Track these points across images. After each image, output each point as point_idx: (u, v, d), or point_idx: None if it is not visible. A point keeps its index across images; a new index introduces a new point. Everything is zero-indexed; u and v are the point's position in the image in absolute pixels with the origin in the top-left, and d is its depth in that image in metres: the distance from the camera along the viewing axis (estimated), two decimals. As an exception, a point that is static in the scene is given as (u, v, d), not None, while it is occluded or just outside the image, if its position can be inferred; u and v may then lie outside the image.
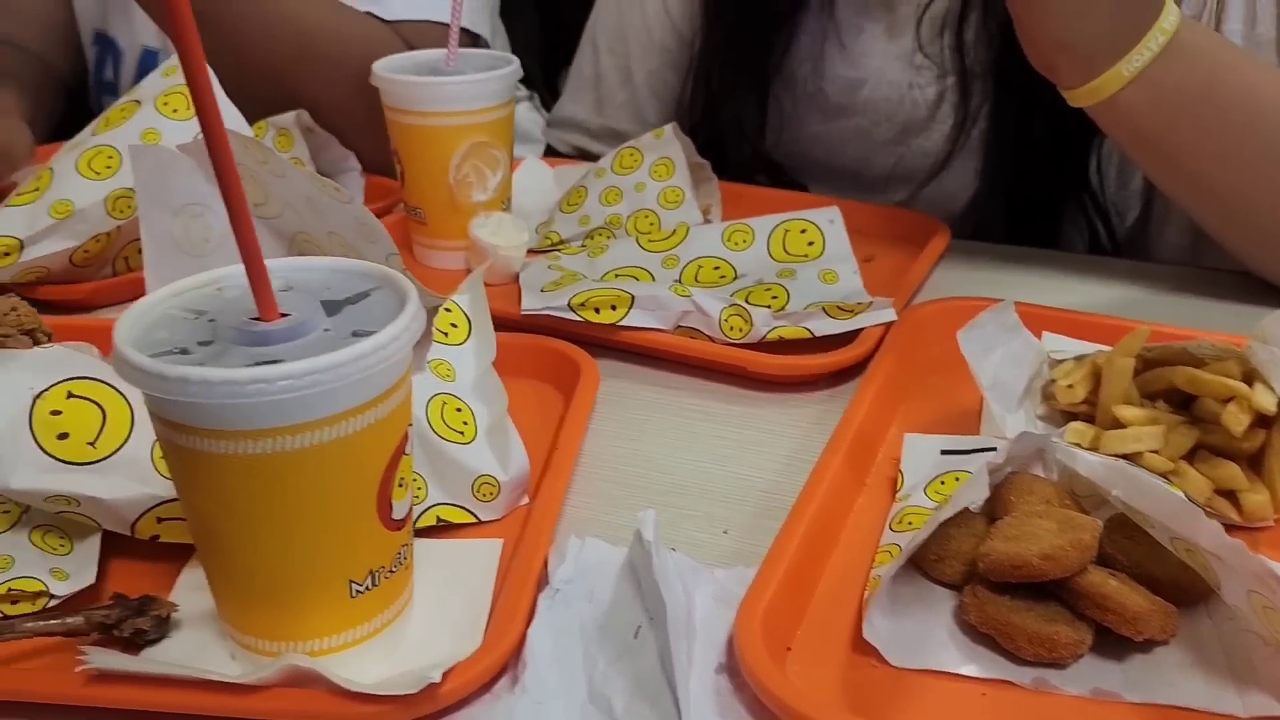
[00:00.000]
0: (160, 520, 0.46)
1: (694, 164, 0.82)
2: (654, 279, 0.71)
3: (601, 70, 0.99)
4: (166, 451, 0.38)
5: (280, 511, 0.37)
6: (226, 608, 0.41)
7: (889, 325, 0.64)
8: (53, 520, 0.47)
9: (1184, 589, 0.43)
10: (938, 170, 0.86)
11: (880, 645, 0.42)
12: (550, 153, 1.05)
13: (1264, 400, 0.47)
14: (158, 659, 0.42)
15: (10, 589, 0.43)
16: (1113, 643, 0.42)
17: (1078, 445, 0.51)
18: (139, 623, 0.42)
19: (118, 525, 0.46)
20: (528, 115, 1.16)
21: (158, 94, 0.75)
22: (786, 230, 0.74)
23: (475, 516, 0.50)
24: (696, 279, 0.71)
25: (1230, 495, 0.49)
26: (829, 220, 0.74)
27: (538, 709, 0.39)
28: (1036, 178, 0.83)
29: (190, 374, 0.34)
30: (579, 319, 0.64)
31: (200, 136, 0.68)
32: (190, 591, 0.45)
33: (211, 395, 0.34)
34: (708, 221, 0.81)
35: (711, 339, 0.64)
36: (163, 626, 0.43)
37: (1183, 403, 0.52)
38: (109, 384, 0.46)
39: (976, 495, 0.43)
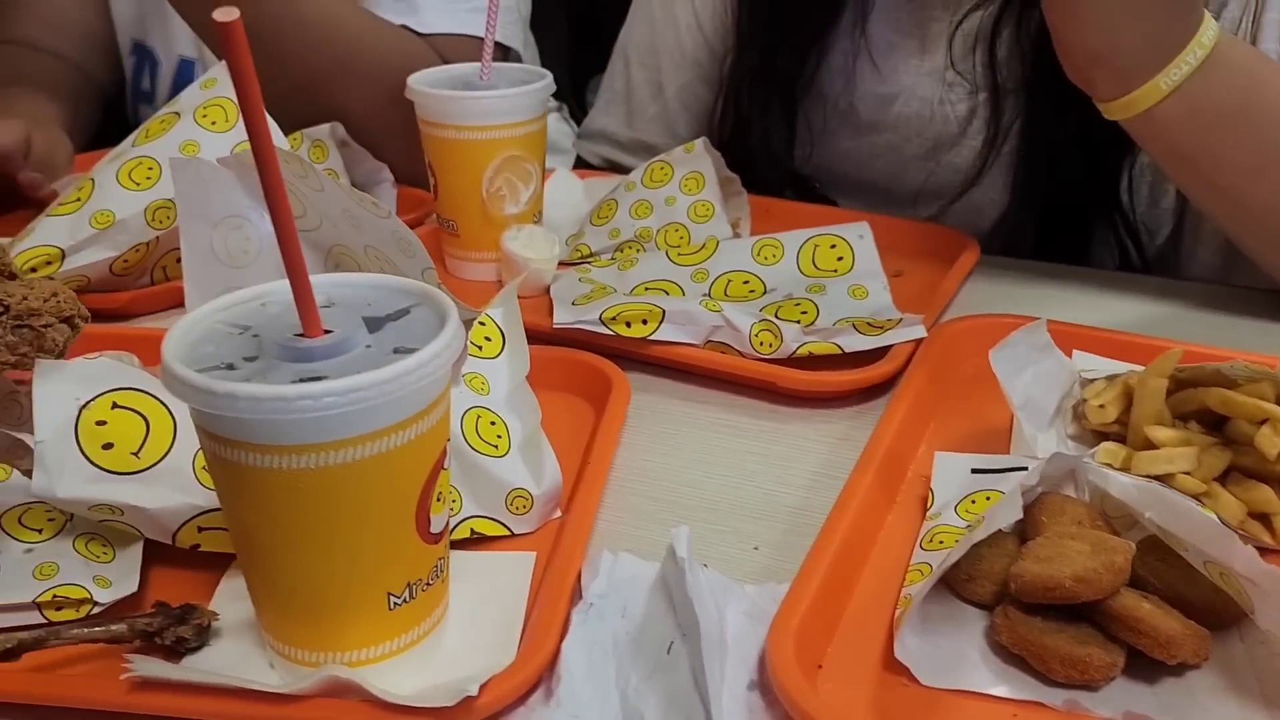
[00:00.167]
0: (201, 529, 0.47)
1: (724, 178, 0.83)
2: (684, 292, 0.71)
3: (633, 84, 1.00)
4: (212, 465, 0.39)
5: (322, 525, 0.38)
6: (267, 617, 0.42)
7: (919, 342, 0.64)
8: (96, 528, 0.48)
9: (1217, 612, 0.43)
10: (968, 186, 0.86)
11: (911, 664, 0.42)
12: (580, 165, 1.05)
13: (1298, 423, 0.47)
14: (199, 667, 0.42)
15: (55, 595, 0.44)
16: (1144, 666, 0.42)
17: (1109, 466, 0.51)
18: (181, 631, 0.43)
19: (159, 534, 0.47)
20: (557, 126, 1.17)
21: (197, 106, 0.76)
22: (816, 245, 0.74)
23: (509, 529, 0.50)
24: (726, 293, 0.72)
25: (1263, 518, 0.49)
26: (858, 235, 0.74)
27: (571, 723, 0.40)
28: (1067, 195, 0.83)
29: (238, 390, 0.35)
30: (610, 333, 0.65)
31: (238, 150, 0.69)
32: (230, 600, 0.46)
33: (258, 411, 0.35)
34: (737, 235, 0.81)
35: (742, 354, 0.65)
36: (203, 635, 0.43)
37: (1215, 424, 0.52)
38: (153, 394, 0.47)
39: (1009, 516, 0.43)
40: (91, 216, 0.72)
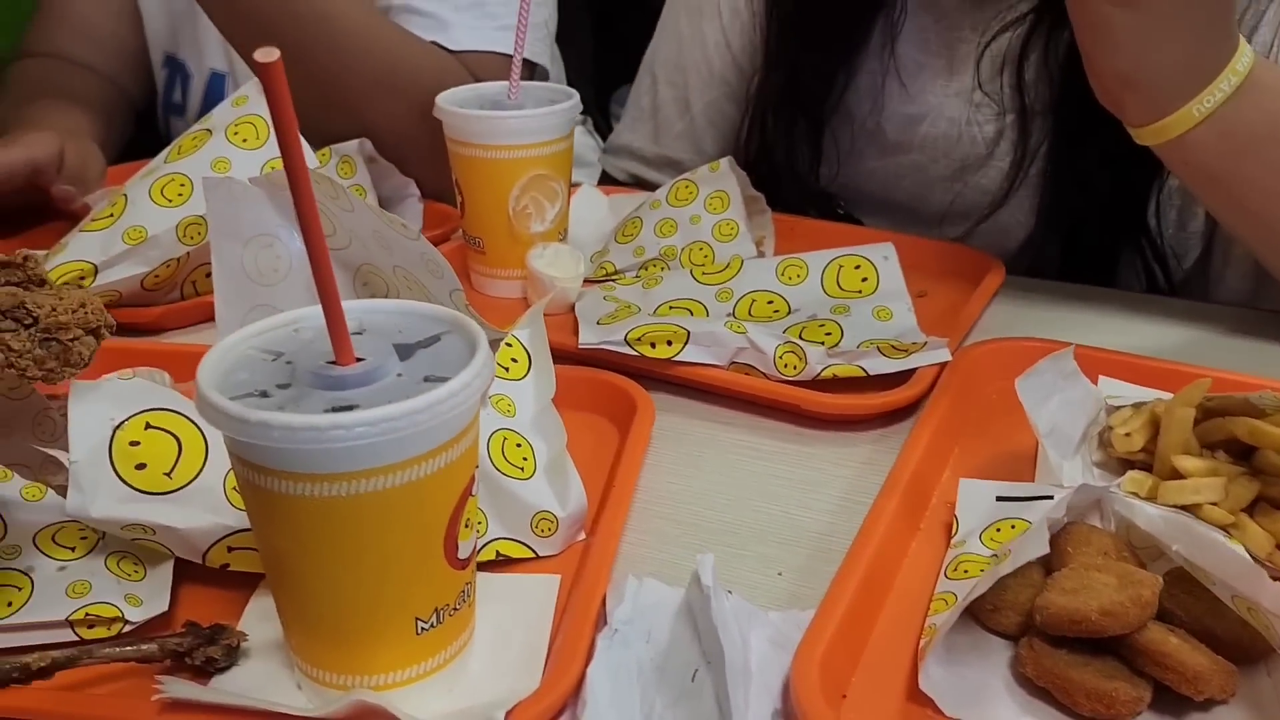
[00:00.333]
0: (231, 549, 0.47)
1: (748, 196, 0.83)
2: (707, 311, 0.72)
3: (659, 101, 1.00)
4: (244, 490, 0.39)
5: (352, 551, 0.38)
6: (295, 639, 0.42)
7: (943, 365, 0.64)
8: (127, 546, 0.48)
9: (1244, 647, 0.43)
10: (994, 207, 0.85)
11: (936, 696, 0.42)
12: (605, 180, 1.06)
13: (1328, 456, 0.47)
14: (227, 687, 0.43)
15: (88, 614, 0.45)
16: (1171, 700, 0.41)
17: (1135, 495, 0.51)
18: (210, 651, 0.43)
19: (190, 553, 0.47)
20: (581, 139, 1.18)
21: (228, 123, 0.77)
22: (840, 265, 0.74)
23: (533, 551, 0.51)
24: (750, 312, 0.72)
25: (1292, 551, 0.49)
26: (883, 256, 0.74)
27: (596, 749, 0.40)
28: (1094, 218, 0.83)
29: (272, 419, 0.35)
30: (635, 353, 0.65)
31: (269, 168, 0.70)
32: (258, 620, 0.46)
33: (292, 440, 0.35)
34: (761, 254, 0.82)
35: (766, 376, 0.65)
36: (232, 655, 0.44)
37: (1243, 454, 0.52)
38: (185, 415, 0.48)
39: (1036, 550, 0.43)
40: (124, 232, 0.73)
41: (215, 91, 1.13)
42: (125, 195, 0.75)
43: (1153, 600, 0.42)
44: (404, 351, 0.40)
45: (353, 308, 0.42)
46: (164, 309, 0.75)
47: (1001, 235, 0.87)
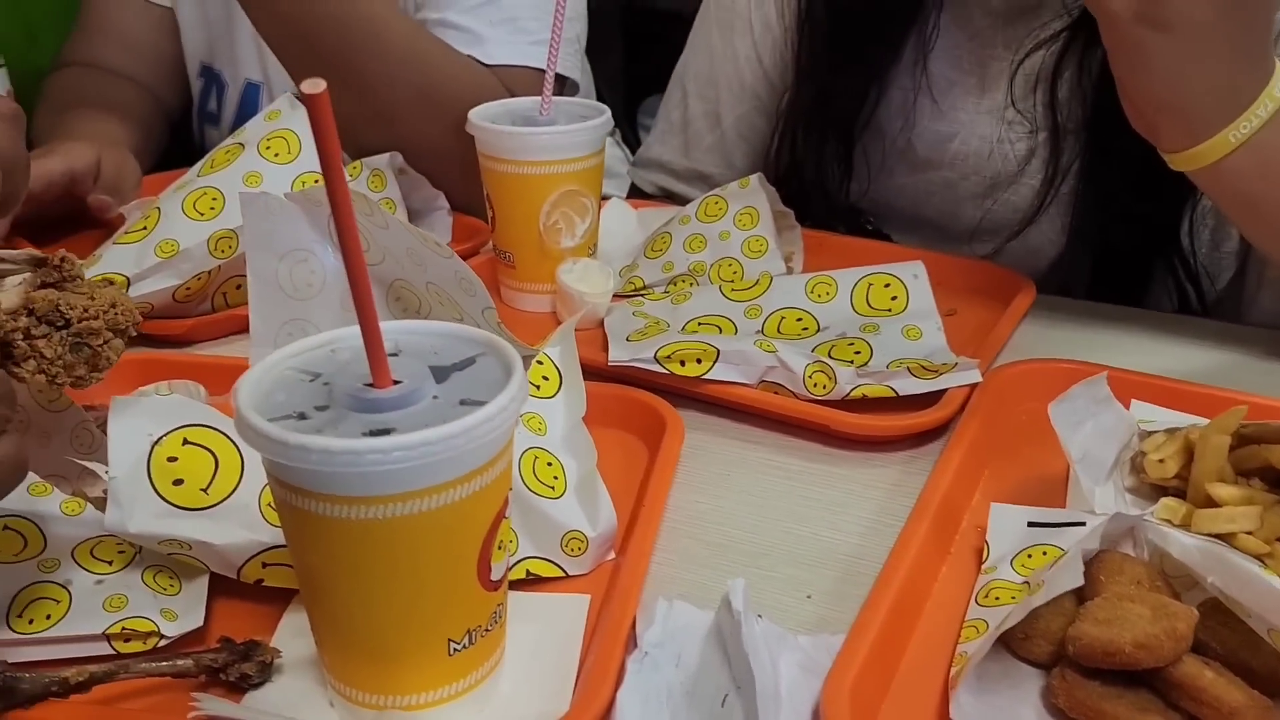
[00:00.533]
0: (265, 565, 0.48)
1: (777, 212, 0.83)
2: (736, 328, 0.72)
3: (690, 114, 1.00)
4: (281, 510, 0.40)
5: (388, 573, 0.38)
6: (329, 657, 0.42)
7: (974, 386, 0.64)
8: (163, 560, 0.49)
9: (1280, 681, 0.42)
10: (1025, 225, 0.85)
11: (967, 725, 0.42)
12: (635, 193, 1.06)
13: (1366, 487, 0.47)
14: (261, 704, 0.43)
15: (124, 628, 0.45)
16: (1205, 734, 0.41)
17: (1169, 522, 0.50)
18: (245, 667, 0.44)
19: (225, 569, 0.48)
20: (609, 151, 1.18)
21: (261, 138, 0.78)
22: (870, 284, 0.74)
23: (564, 571, 0.51)
24: (779, 330, 0.72)
25: (1328, 582, 0.48)
26: (913, 275, 0.74)
27: (626, 773, 0.40)
28: (1125, 237, 0.82)
29: (310, 443, 0.36)
30: (665, 371, 0.65)
31: (302, 184, 0.70)
32: (291, 636, 0.46)
33: (329, 464, 0.36)
34: (790, 270, 0.82)
35: (795, 395, 0.65)
36: (266, 671, 0.44)
37: (1278, 481, 0.51)
38: (222, 431, 0.48)
39: (1071, 581, 0.42)
40: (156, 245, 0.74)
41: (250, 101, 1.14)
42: (159, 208, 0.76)
43: (1188, 634, 0.41)
44: (440, 374, 0.41)
45: (389, 329, 0.42)
46: (195, 321, 0.75)
47: (1032, 254, 0.86)
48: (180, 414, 0.48)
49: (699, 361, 0.65)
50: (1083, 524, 0.50)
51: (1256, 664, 0.43)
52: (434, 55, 0.89)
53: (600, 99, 1.23)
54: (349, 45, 0.83)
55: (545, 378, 0.57)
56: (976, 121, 0.87)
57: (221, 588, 0.49)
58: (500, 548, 0.41)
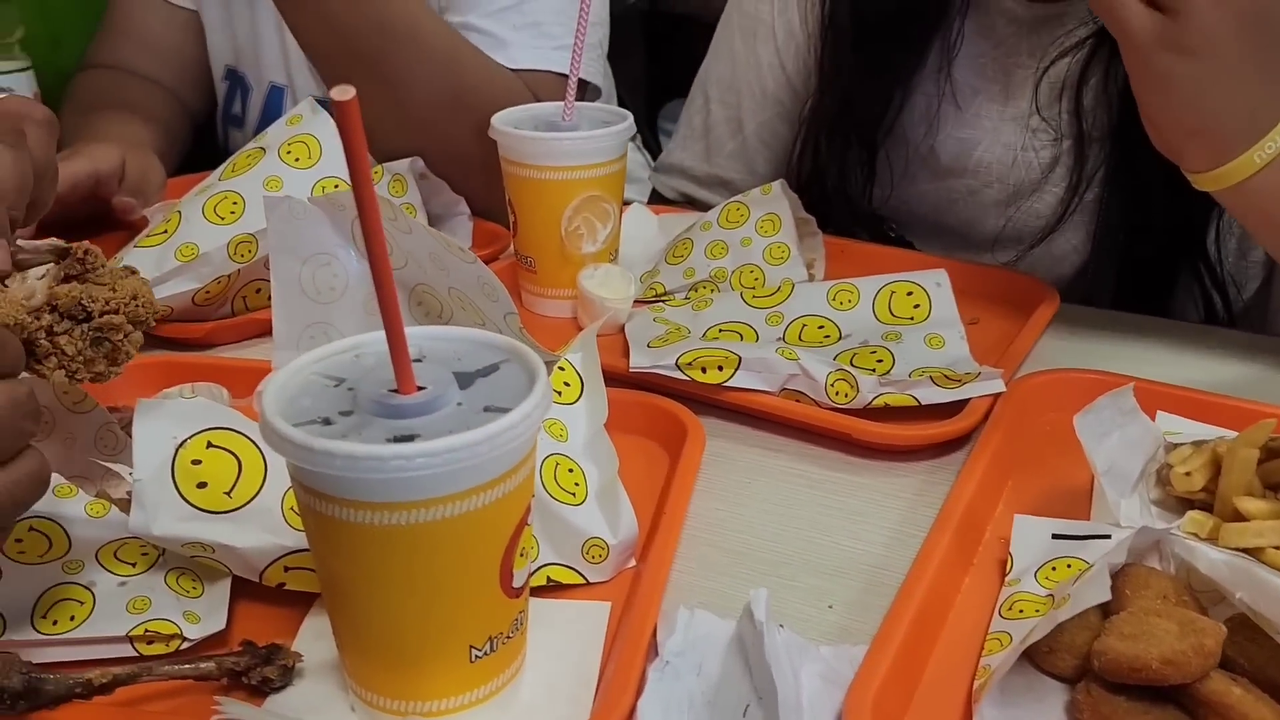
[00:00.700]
0: (287, 569, 0.48)
1: (799, 219, 0.83)
2: (757, 335, 0.71)
3: (712, 120, 1.00)
4: (304, 515, 0.40)
5: (410, 579, 0.38)
6: (350, 662, 0.42)
7: (997, 396, 0.64)
8: (186, 563, 0.49)
9: (1309, 699, 0.42)
10: (1048, 233, 0.85)
11: (990, 739, 0.41)
12: (655, 198, 1.06)
13: (1398, 503, 0.46)
14: (282, 708, 0.43)
15: (147, 630, 0.46)
16: (1233, 752, 0.41)
17: (1195, 536, 0.50)
18: (266, 671, 0.44)
19: (247, 572, 0.48)
20: (631, 156, 1.18)
21: (282, 142, 0.79)
22: (892, 292, 0.74)
23: (584, 578, 0.51)
24: (800, 337, 0.72)
25: (1358, 599, 0.48)
26: (936, 283, 0.74)
27: (646, 783, 0.40)
28: (1151, 245, 0.82)
29: (335, 448, 0.36)
30: (686, 378, 0.65)
31: (322, 190, 0.70)
32: (313, 639, 0.47)
33: (354, 470, 0.36)
34: (811, 276, 0.81)
35: (817, 403, 0.64)
36: (288, 675, 0.44)
37: (1307, 496, 0.51)
38: (245, 434, 0.48)
39: (1097, 596, 0.42)
40: (177, 249, 0.74)
41: (274, 104, 1.15)
42: (180, 212, 0.77)
43: (1216, 650, 0.41)
44: (464, 380, 0.41)
45: (413, 334, 0.42)
46: (214, 325, 0.76)
47: (1056, 261, 0.86)
48: (204, 417, 0.48)
49: (720, 369, 0.65)
50: (1107, 536, 0.50)
51: (1285, 681, 0.42)
52: (469, 58, 0.89)
53: (621, 103, 1.22)
54: (389, 47, 0.83)
55: (567, 384, 0.57)
56: (1000, 129, 0.86)
57: (243, 590, 0.49)
58: (522, 555, 0.41)
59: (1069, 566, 0.49)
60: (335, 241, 0.63)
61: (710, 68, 1.00)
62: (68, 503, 0.48)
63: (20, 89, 1.02)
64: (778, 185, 0.82)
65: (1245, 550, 0.48)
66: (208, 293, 0.75)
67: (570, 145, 0.74)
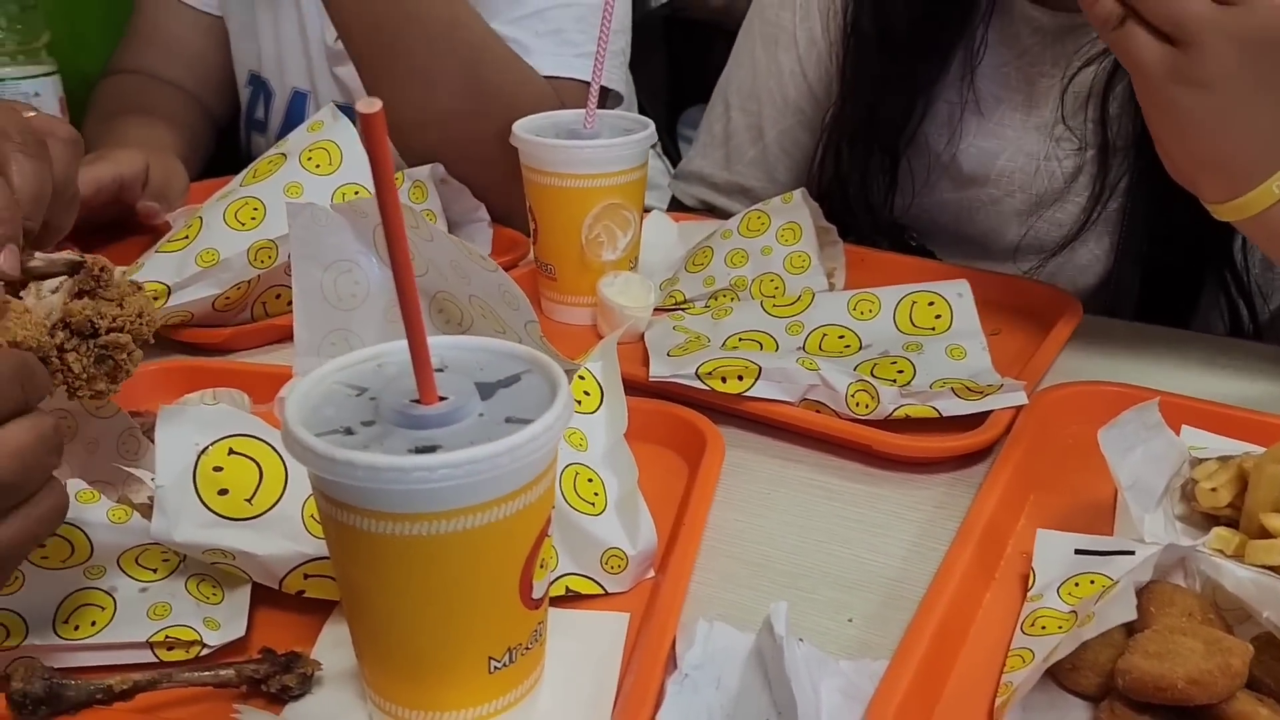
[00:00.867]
0: (307, 576, 0.48)
1: (820, 228, 0.82)
2: (777, 344, 0.71)
3: (732, 128, 1.00)
4: (326, 524, 0.40)
5: (430, 590, 0.38)
6: (369, 671, 0.42)
7: (1019, 409, 0.63)
8: (207, 569, 0.49)
9: (1337, 720, 0.41)
10: (1069, 242, 0.84)
11: (1012, 757, 0.41)
12: (675, 206, 1.06)
13: None
14: (301, 716, 0.43)
15: (168, 636, 0.46)
16: (1259, 774, 0.40)
17: (1221, 553, 0.49)
18: (285, 679, 0.44)
19: (267, 579, 0.48)
20: (650, 163, 1.18)
21: (303, 149, 0.79)
22: (914, 302, 0.73)
23: (603, 588, 0.51)
24: (821, 347, 0.71)
25: (1387, 618, 0.47)
26: (957, 294, 0.73)
27: (665, 797, 0.40)
28: (1175, 255, 0.81)
29: (357, 459, 0.36)
30: (706, 388, 0.65)
31: (338, 197, 0.70)
32: (331, 648, 0.47)
33: (375, 480, 0.36)
34: (831, 285, 0.81)
35: (837, 413, 0.64)
36: (306, 683, 0.44)
37: (1335, 514, 0.50)
38: (266, 442, 0.48)
39: (1122, 615, 0.42)
40: (197, 255, 0.74)
41: (297, 110, 1.15)
42: (201, 217, 0.77)
43: (1242, 670, 0.40)
44: (485, 390, 0.41)
45: (435, 344, 0.42)
46: (234, 330, 0.76)
47: (1079, 271, 0.85)
48: (226, 424, 0.48)
49: (740, 379, 0.65)
50: (1131, 552, 0.49)
51: (1313, 702, 0.42)
52: (504, 60, 0.89)
53: (641, 110, 1.23)
54: (432, 43, 0.82)
55: (587, 393, 0.57)
56: (1023, 138, 0.86)
57: (263, 598, 0.49)
58: (542, 566, 0.41)
59: (1092, 582, 0.48)
60: (357, 248, 0.63)
61: (731, 75, 1.00)
62: (90, 508, 0.48)
63: (47, 93, 1.03)
64: (798, 194, 0.82)
65: (1272, 568, 0.47)
66: (228, 298, 0.75)
67: (591, 153, 0.74)
